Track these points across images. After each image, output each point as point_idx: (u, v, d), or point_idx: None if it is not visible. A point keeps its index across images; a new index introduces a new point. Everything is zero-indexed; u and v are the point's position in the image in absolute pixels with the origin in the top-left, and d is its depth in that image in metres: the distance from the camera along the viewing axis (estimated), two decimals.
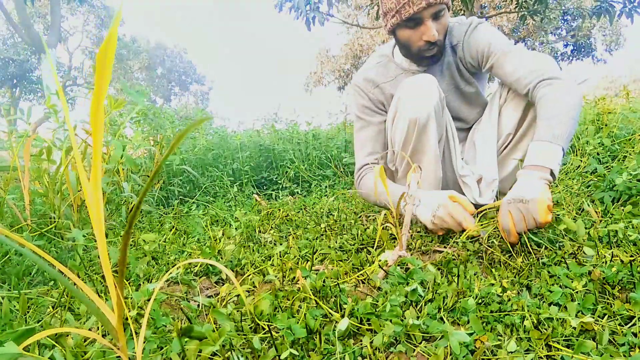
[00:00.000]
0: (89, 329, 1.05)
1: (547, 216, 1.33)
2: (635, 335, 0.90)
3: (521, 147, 1.91)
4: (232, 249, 1.69)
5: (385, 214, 1.62)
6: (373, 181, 1.91)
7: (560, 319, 0.97)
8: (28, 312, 1.23)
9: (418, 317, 1.01)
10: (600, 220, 1.64)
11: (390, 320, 0.97)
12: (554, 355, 0.88)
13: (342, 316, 1.04)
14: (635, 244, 1.33)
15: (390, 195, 1.71)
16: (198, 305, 1.29)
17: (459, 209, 1.58)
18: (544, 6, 7.50)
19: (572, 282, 1.12)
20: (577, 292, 1.08)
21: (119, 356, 0.86)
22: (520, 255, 1.39)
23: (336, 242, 1.81)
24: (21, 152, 1.95)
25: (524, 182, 1.44)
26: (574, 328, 0.93)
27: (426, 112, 1.71)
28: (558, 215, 1.50)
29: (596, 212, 1.68)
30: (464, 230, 1.57)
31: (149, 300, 1.15)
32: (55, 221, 1.78)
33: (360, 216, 2.44)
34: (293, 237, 2.00)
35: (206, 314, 1.24)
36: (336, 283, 1.24)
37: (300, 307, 1.13)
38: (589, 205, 1.72)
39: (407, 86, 1.77)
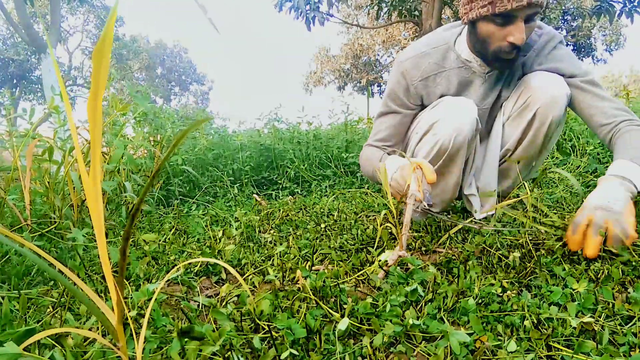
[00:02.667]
0: (89, 329, 1.05)
1: (634, 232, 1.22)
2: (635, 335, 0.90)
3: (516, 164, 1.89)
4: (232, 249, 1.69)
5: (385, 214, 1.62)
6: (372, 154, 1.88)
7: (560, 319, 0.97)
8: (28, 312, 1.23)
9: (418, 317, 1.01)
10: None
11: (390, 321, 0.97)
12: (554, 355, 0.88)
13: (342, 316, 1.04)
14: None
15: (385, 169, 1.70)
16: (198, 306, 1.29)
17: (410, 174, 1.44)
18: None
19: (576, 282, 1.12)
20: (577, 292, 1.08)
21: (119, 356, 0.86)
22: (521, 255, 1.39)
23: (336, 242, 1.81)
24: (23, 152, 1.95)
25: (608, 189, 1.35)
26: (574, 328, 0.93)
27: (459, 142, 1.65)
28: None
29: None
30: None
31: (149, 300, 1.15)
32: (55, 221, 1.78)
33: (360, 216, 2.44)
34: (293, 237, 2.00)
35: (206, 314, 1.24)
36: (336, 283, 1.24)
37: (300, 307, 1.13)
38: None
39: (447, 109, 1.69)
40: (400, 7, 8.89)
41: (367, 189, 3.53)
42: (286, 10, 9.11)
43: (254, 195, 3.34)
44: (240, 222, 2.32)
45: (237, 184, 3.42)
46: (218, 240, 1.94)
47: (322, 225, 2.13)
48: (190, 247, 1.88)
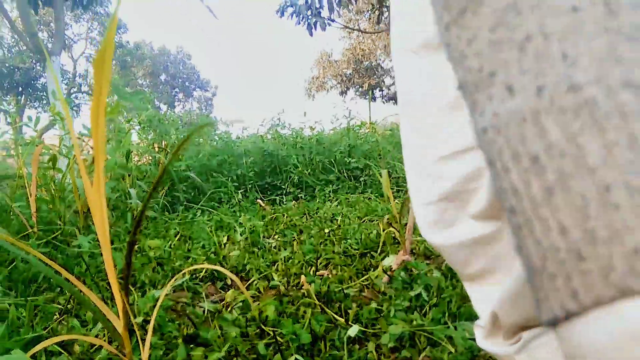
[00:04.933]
0: (96, 336, 1.06)
1: None
2: None
3: None
4: (237, 255, 1.69)
5: (388, 218, 1.62)
6: None
7: None
8: (35, 319, 1.24)
9: (422, 322, 1.01)
10: None
11: (395, 324, 0.98)
12: None
13: (347, 321, 1.04)
14: None
15: None
16: (204, 311, 1.29)
17: None
18: None
19: None
20: None
21: None
22: None
23: (340, 247, 1.82)
24: (28, 159, 1.97)
25: None
26: None
27: None
28: None
29: None
30: None
31: (154, 307, 1.15)
32: (61, 228, 1.80)
33: (364, 220, 2.45)
34: (297, 242, 2.01)
35: (212, 320, 1.25)
36: (340, 288, 1.25)
37: (305, 313, 1.14)
38: None
39: None
40: None
41: (371, 193, 3.54)
42: (288, 16, 9.15)
43: (258, 200, 3.35)
44: (245, 228, 2.33)
45: (241, 190, 3.43)
46: (223, 246, 1.94)
47: (326, 230, 2.13)
48: (196, 252, 1.88)
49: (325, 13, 8.85)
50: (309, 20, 8.74)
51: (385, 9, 9.29)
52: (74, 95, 22.30)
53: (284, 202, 3.54)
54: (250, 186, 3.60)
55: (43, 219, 1.87)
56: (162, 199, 3.13)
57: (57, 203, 1.98)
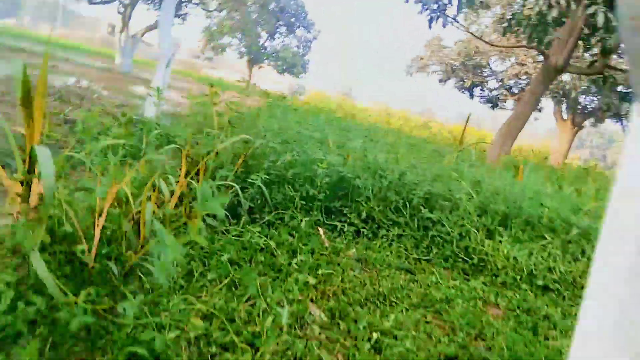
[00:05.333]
0: None
1: None
2: None
3: None
4: None
5: None
6: None
7: None
8: None
9: None
10: None
11: None
12: None
13: None
14: None
15: None
16: None
17: None
18: None
19: None
20: None
21: None
22: None
23: None
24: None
25: None
26: None
27: None
28: None
29: None
30: None
31: None
32: (116, 281, 1.76)
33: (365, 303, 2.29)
34: (341, 344, 1.89)
35: None
36: None
37: None
38: None
39: None
40: (533, 33, 8.16)
41: (436, 256, 3.33)
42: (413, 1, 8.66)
43: (318, 229, 3.25)
44: (294, 292, 2.23)
45: (307, 215, 3.31)
46: (264, 334, 1.84)
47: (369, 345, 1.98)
48: (237, 331, 1.79)
49: (451, 11, 8.31)
50: (432, 14, 8.24)
51: (514, 22, 8.55)
52: (184, 3, 22.61)
53: (344, 233, 3.40)
54: (317, 206, 3.47)
55: (105, 245, 1.84)
56: (228, 199, 3.07)
57: (123, 222, 1.96)
